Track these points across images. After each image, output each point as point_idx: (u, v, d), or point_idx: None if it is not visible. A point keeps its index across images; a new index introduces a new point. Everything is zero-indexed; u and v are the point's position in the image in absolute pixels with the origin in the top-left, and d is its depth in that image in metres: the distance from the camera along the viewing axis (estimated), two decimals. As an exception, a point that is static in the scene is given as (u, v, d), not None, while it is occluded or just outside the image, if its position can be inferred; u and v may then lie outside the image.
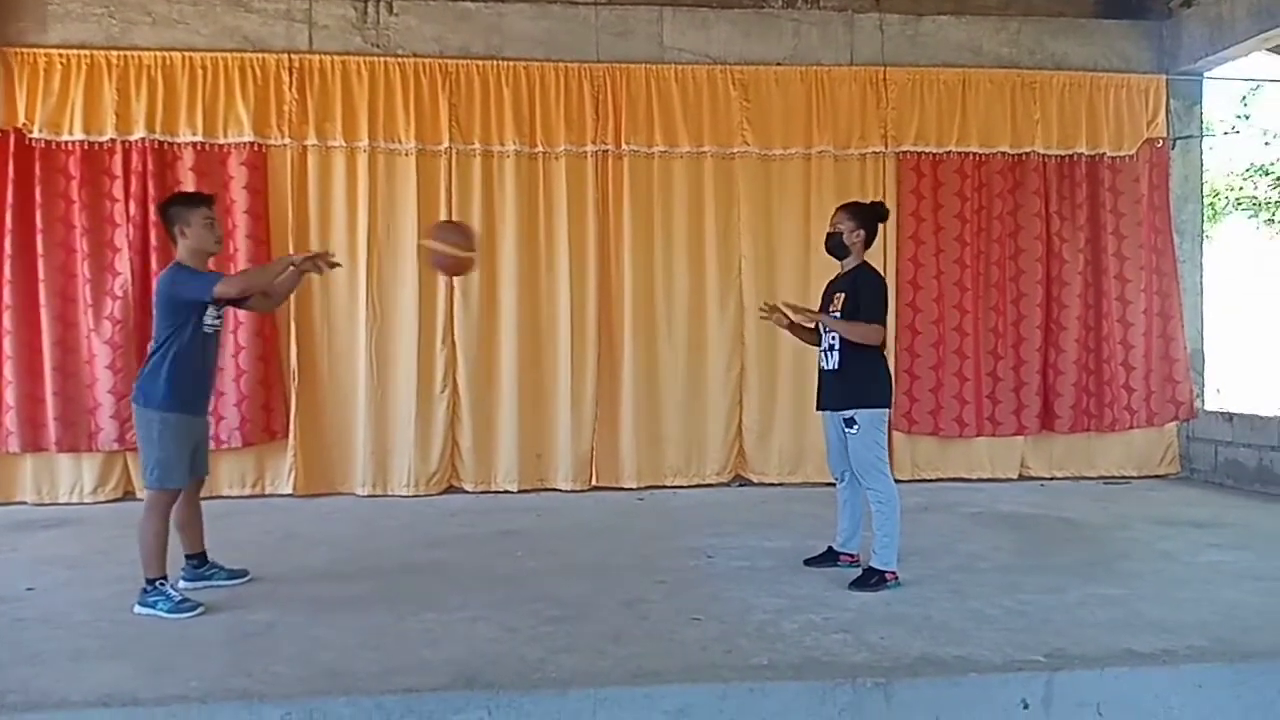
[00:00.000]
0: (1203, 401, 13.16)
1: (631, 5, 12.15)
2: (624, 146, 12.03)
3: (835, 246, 7.92)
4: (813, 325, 8.02)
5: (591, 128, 11.99)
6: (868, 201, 8.49)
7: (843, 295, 7.78)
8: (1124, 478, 12.81)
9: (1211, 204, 20.58)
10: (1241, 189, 24.05)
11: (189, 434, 7.28)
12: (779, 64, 12.29)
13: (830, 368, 7.82)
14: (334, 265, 7.70)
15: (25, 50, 11.34)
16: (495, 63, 11.88)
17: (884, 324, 7.73)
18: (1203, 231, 13.59)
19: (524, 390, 11.88)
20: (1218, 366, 14.15)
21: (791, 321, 8.14)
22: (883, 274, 8.06)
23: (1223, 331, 14.27)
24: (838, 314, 7.76)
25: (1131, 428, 12.81)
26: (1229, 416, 12.66)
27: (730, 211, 12.16)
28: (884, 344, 7.87)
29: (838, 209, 8.05)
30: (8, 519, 10.50)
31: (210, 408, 7.85)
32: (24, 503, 11.28)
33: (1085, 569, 8.13)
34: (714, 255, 12.17)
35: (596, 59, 12.04)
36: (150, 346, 7.28)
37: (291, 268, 7.57)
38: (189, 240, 7.23)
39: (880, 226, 8.06)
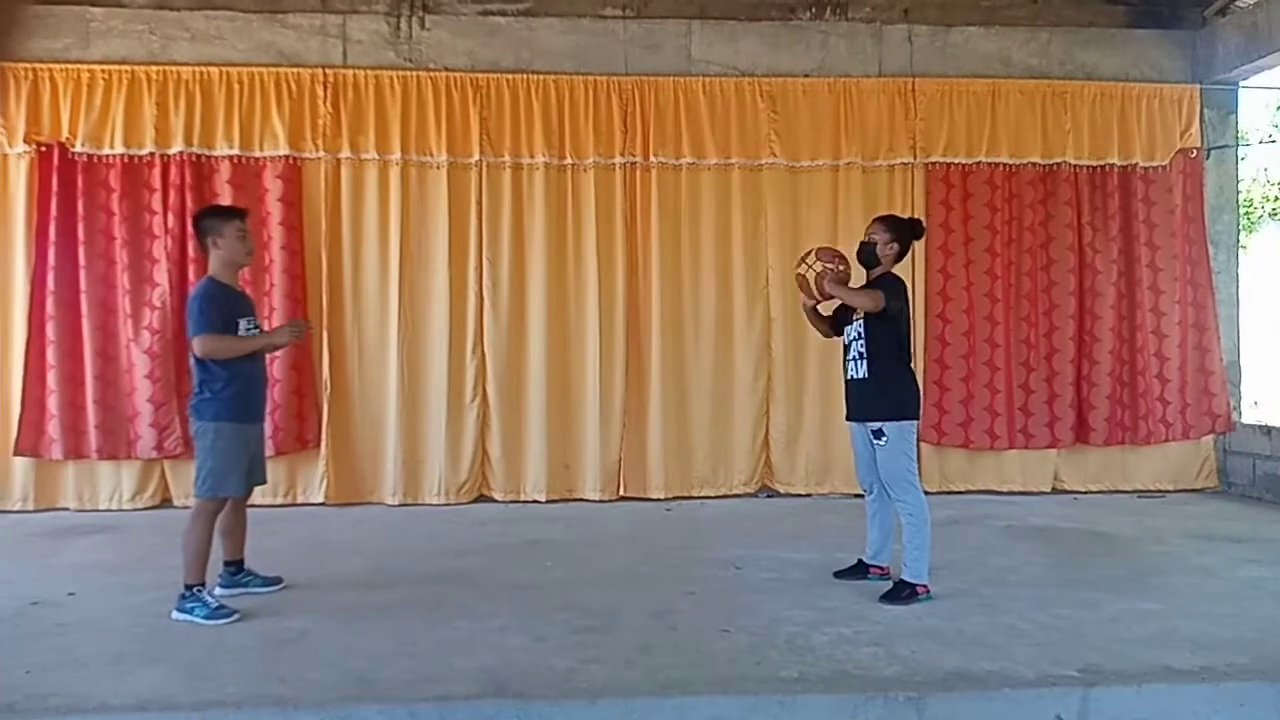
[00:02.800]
0: (1239, 414, 13.07)
1: (660, 19, 12.31)
2: (652, 158, 12.18)
3: (867, 256, 7.96)
4: (825, 298, 8.00)
5: (620, 140, 12.14)
6: (905, 217, 8.59)
7: None
8: (1159, 491, 12.67)
9: (1247, 214, 20.49)
10: (1278, 199, 23.94)
11: (244, 443, 7.51)
12: (807, 76, 12.41)
13: (858, 377, 7.87)
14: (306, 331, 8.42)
15: (69, 66, 11.67)
16: (525, 76, 12.08)
17: (892, 310, 7.73)
18: (1238, 242, 13.54)
19: (552, 400, 12.03)
20: (1255, 379, 14.09)
21: (815, 302, 8.10)
22: (907, 284, 8.11)
23: (1260, 343, 14.19)
24: (860, 321, 7.85)
25: (1167, 441, 12.69)
26: (1267, 430, 12.52)
27: (758, 223, 12.26)
28: (909, 352, 7.96)
29: (874, 220, 8.13)
30: (50, 525, 10.79)
31: (265, 414, 8.02)
32: (66, 509, 11.56)
33: (1120, 584, 8.11)
34: (741, 266, 12.27)
35: (625, 72, 12.22)
36: (191, 360, 7.46)
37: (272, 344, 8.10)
38: (221, 251, 7.51)
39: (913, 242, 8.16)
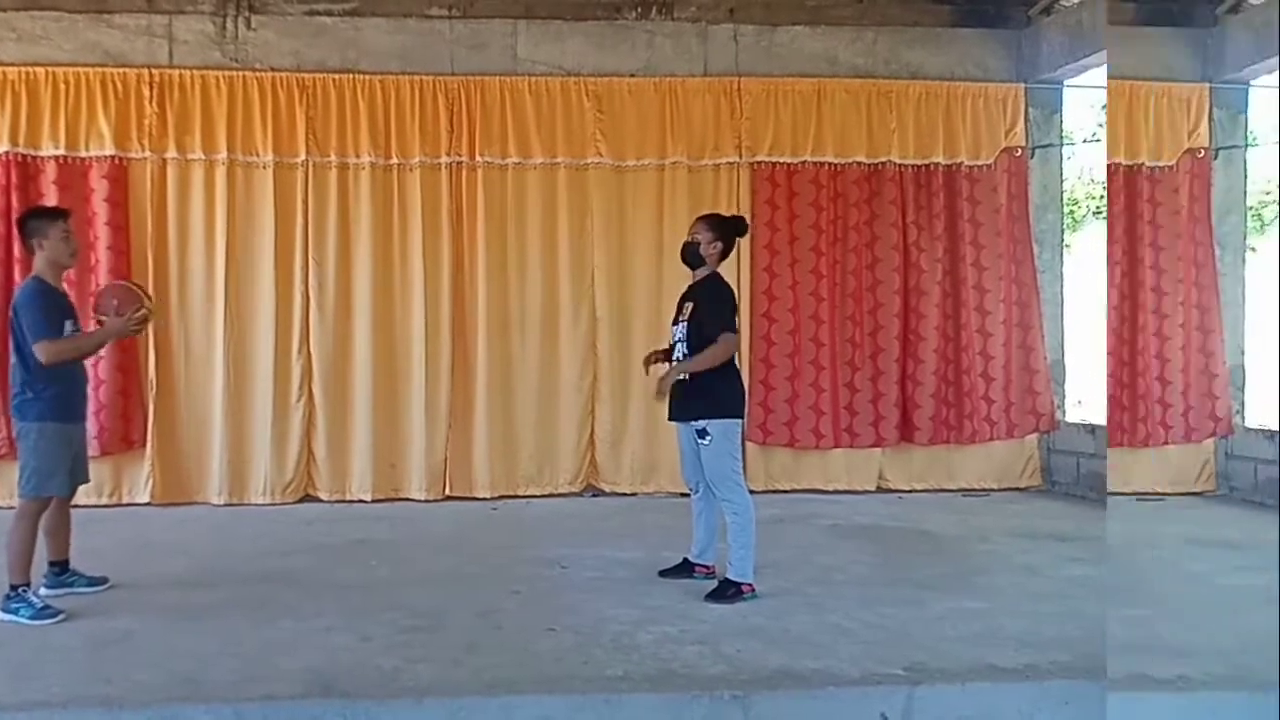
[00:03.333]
0: (1063, 413, 14.08)
1: (486, 19, 13.21)
2: (478, 158, 12.93)
3: (691, 256, 8.50)
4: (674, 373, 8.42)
5: (446, 140, 12.89)
6: (728, 215, 8.81)
7: (691, 305, 8.22)
8: (984, 490, 13.47)
9: (1071, 213, 20.93)
10: (1103, 198, 24.36)
11: (67, 442, 8.00)
12: (632, 75, 13.31)
13: (680, 377, 8.20)
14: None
15: (-109, 66, 12.40)
16: (351, 76, 12.86)
17: (733, 330, 8.11)
18: (1063, 241, 14.66)
19: (378, 400, 12.83)
20: (1079, 378, 14.46)
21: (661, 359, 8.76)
22: (732, 284, 8.33)
23: (1083, 342, 14.50)
24: (685, 323, 8.31)
25: (991, 439, 13.55)
26: (1091, 428, 13.46)
27: (584, 222, 13.17)
28: (736, 352, 8.19)
29: (697, 219, 8.68)
30: None
31: (87, 414, 8.48)
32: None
33: (945, 582, 8.66)
34: (567, 266, 13.14)
35: (451, 72, 13.03)
36: (13, 359, 7.65)
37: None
38: (46, 253, 7.91)
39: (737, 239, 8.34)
